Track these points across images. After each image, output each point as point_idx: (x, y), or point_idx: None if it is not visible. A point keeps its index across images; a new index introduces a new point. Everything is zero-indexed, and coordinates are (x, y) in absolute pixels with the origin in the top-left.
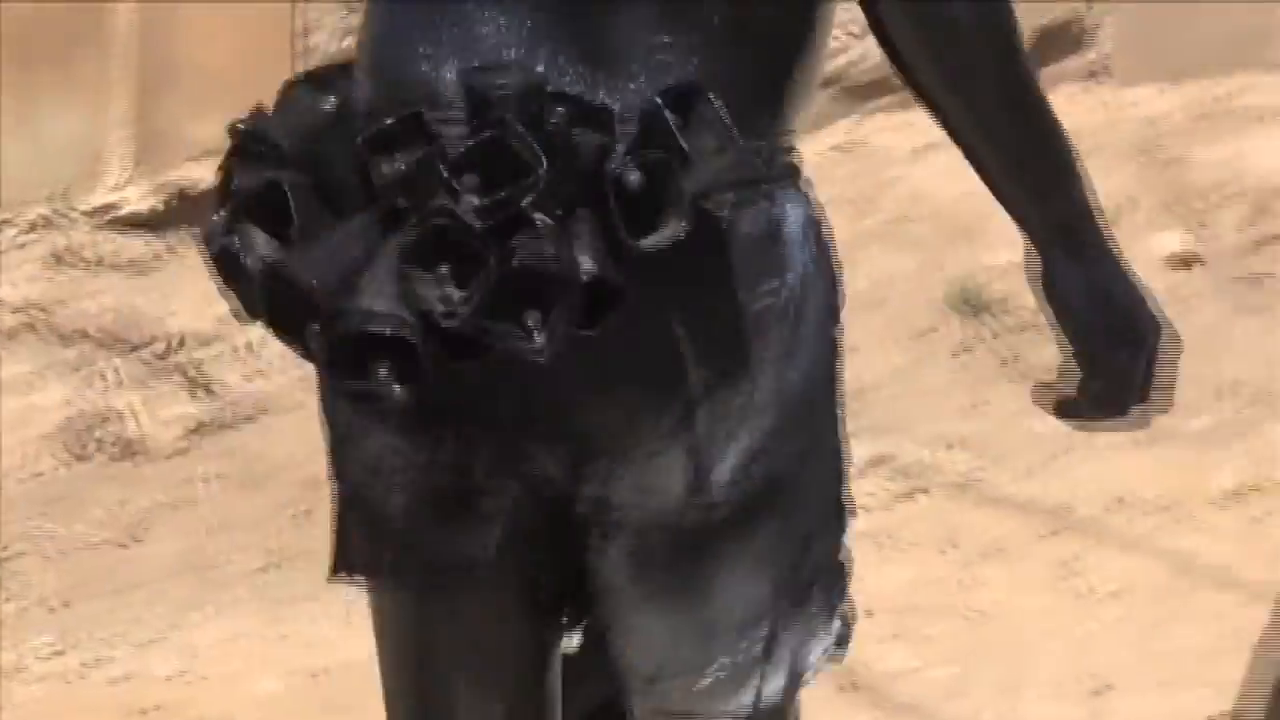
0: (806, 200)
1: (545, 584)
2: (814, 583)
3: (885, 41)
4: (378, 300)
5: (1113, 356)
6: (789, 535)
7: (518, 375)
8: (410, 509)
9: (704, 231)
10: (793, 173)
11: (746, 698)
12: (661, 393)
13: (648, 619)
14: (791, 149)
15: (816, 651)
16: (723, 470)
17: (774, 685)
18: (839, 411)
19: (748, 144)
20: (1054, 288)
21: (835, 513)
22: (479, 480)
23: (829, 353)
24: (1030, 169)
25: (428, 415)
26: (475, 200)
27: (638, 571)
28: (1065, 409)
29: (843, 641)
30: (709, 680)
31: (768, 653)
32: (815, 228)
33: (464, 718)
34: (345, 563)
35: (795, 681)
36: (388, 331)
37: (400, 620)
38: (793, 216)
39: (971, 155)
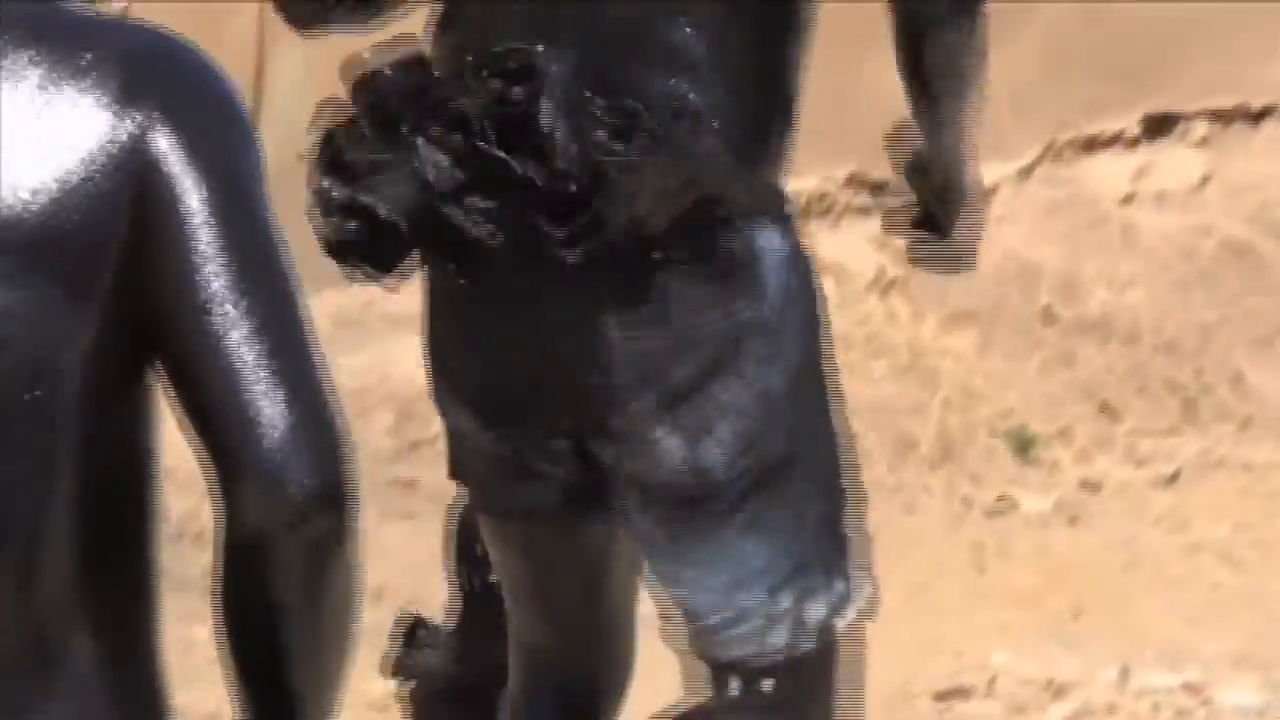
0: (787, 233)
1: (599, 528)
2: (813, 551)
3: (903, 54)
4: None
5: (954, 208)
6: (782, 509)
7: (540, 382)
8: (485, 470)
9: (684, 254)
10: (773, 209)
11: (751, 646)
12: (649, 390)
13: (678, 572)
14: (772, 189)
15: (819, 611)
16: (711, 454)
17: (778, 637)
18: (830, 414)
19: (715, 186)
20: (929, 167)
21: (831, 494)
22: (527, 456)
23: (812, 362)
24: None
25: (481, 412)
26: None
27: (662, 533)
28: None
29: (843, 603)
30: (732, 631)
31: (769, 607)
32: (796, 257)
33: (545, 611)
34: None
35: (800, 633)
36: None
37: (492, 535)
38: (771, 246)
39: (931, 113)
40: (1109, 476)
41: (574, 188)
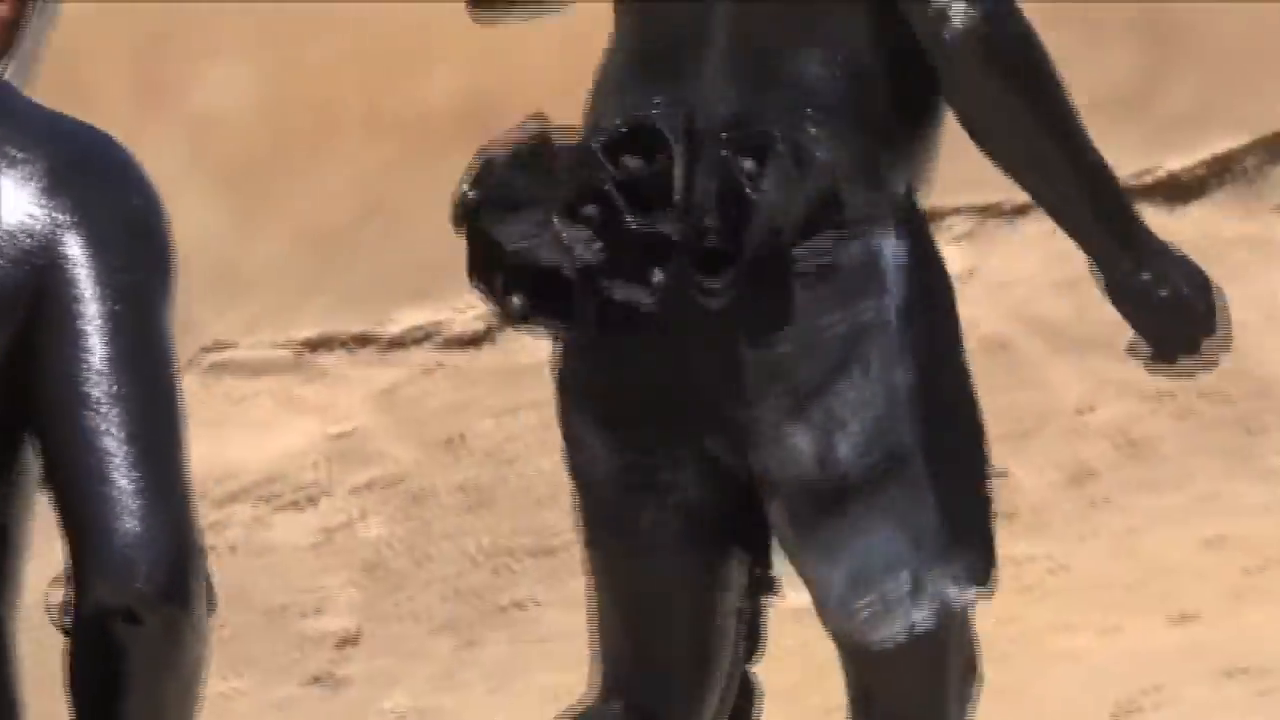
0: (910, 238)
1: (717, 540)
2: (956, 540)
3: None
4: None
5: (1166, 335)
6: (920, 500)
7: (674, 387)
8: (610, 493)
9: (808, 261)
10: (896, 215)
11: (898, 627)
12: (778, 390)
13: (809, 562)
14: (897, 197)
15: (961, 593)
16: (843, 448)
17: (922, 618)
18: (970, 405)
19: (832, 190)
20: (1117, 292)
21: (973, 485)
22: (659, 462)
23: (943, 360)
24: (1091, 201)
25: (608, 421)
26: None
27: (793, 525)
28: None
29: (984, 582)
30: (864, 614)
31: (914, 594)
32: (922, 261)
33: (652, 640)
34: (588, 543)
35: (946, 615)
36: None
37: (607, 568)
38: (891, 250)
39: (1046, 204)
40: None
41: (716, 241)
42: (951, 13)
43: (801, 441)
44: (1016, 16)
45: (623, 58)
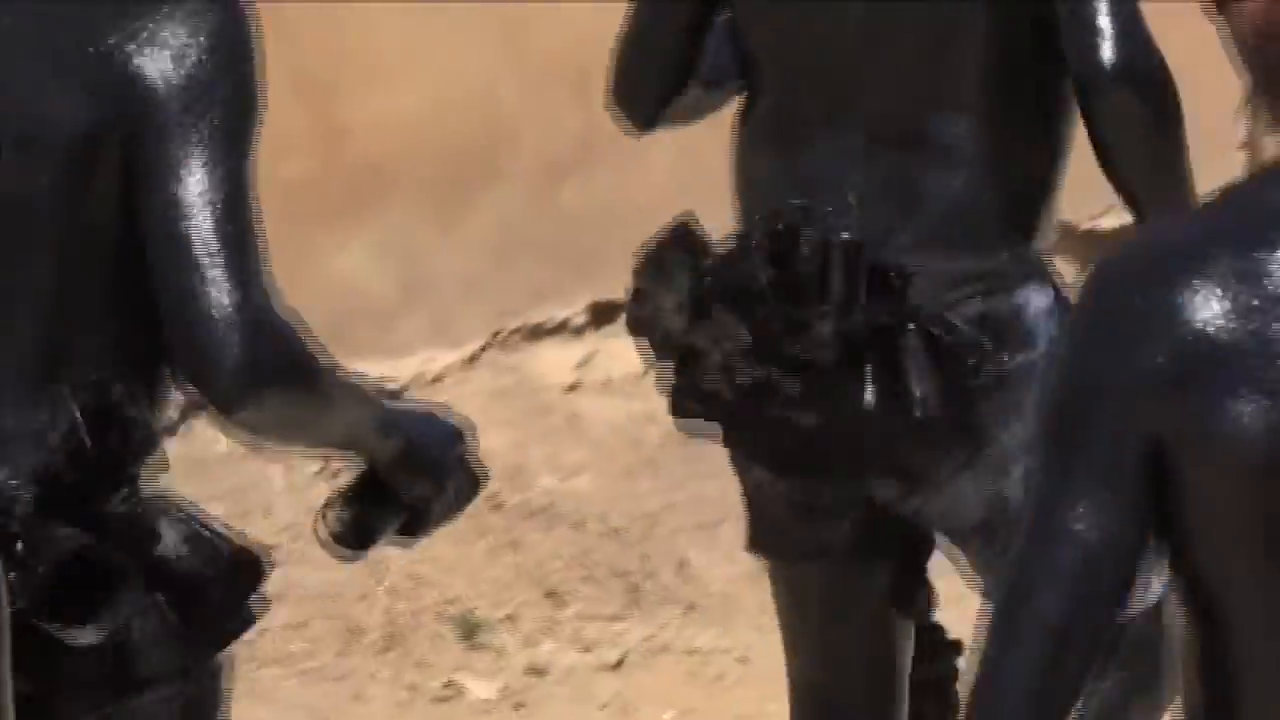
0: (1050, 291)
1: (883, 568)
2: None
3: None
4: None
5: None
6: None
7: (828, 439)
8: (782, 514)
9: (962, 322)
10: (1035, 270)
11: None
12: (953, 441)
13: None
14: (1032, 253)
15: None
16: (1010, 491)
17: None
18: None
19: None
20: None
21: None
22: (826, 500)
23: None
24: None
25: (773, 467)
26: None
27: (975, 559)
28: None
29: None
30: None
31: None
32: (1058, 309)
33: (826, 649)
34: (754, 545)
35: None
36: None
37: (784, 582)
38: (1034, 303)
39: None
40: (555, 662)
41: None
42: (1104, 48)
43: (969, 489)
44: (1157, 53)
45: (760, 129)
